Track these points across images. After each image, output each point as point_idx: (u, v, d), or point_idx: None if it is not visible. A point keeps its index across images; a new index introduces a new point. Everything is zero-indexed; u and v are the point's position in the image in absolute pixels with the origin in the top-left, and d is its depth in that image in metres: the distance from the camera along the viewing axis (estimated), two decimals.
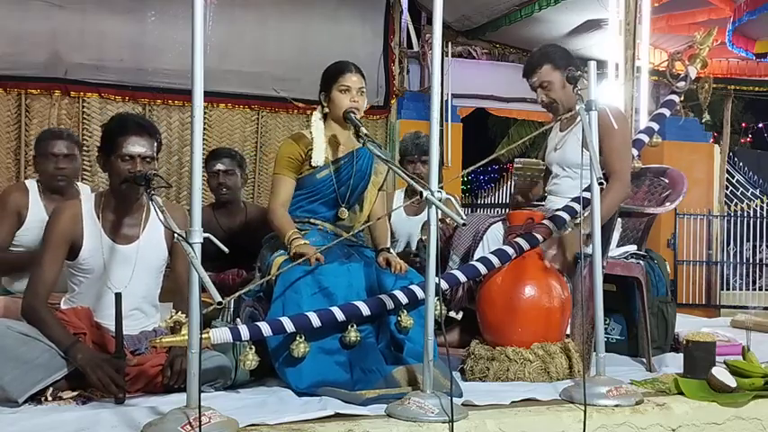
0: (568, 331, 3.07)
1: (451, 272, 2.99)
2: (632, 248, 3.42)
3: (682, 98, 3.86)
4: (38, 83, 5.66)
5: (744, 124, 15.35)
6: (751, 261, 10.28)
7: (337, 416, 2.24)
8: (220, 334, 2.49)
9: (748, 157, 12.08)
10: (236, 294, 2.76)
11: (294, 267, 2.74)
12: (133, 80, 5.91)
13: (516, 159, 3.56)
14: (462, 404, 2.40)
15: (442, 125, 6.78)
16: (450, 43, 7.94)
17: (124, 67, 5.87)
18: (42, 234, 2.69)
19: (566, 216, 3.02)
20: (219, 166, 4.08)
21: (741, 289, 10.17)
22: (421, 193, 2.33)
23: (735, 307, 9.00)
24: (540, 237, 3.00)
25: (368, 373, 2.63)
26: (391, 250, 3.09)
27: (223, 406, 2.15)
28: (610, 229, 3.13)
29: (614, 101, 4.40)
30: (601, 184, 2.57)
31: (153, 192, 2.50)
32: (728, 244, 10.05)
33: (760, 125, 15.39)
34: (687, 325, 4.20)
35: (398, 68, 7.12)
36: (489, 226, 3.27)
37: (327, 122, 3.11)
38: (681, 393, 2.64)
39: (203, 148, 2.75)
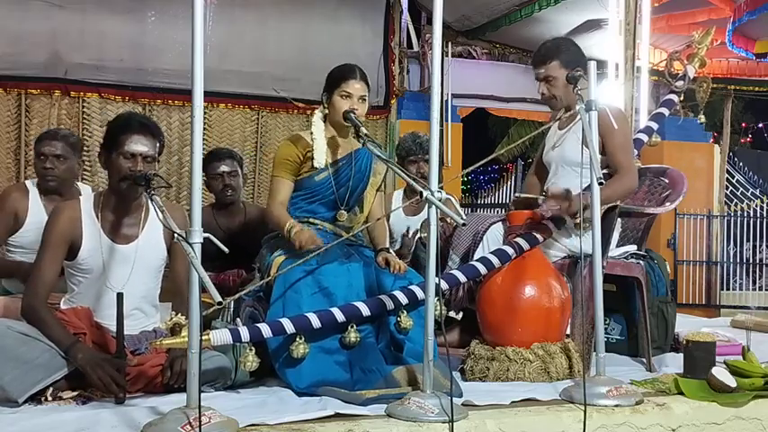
0: (568, 331, 3.07)
1: (451, 272, 2.99)
2: (632, 248, 3.42)
3: (681, 98, 3.86)
4: (38, 83, 5.67)
5: (744, 124, 15.36)
6: (751, 261, 10.28)
7: (337, 416, 2.24)
8: (220, 335, 2.49)
9: (748, 157, 12.08)
10: (237, 295, 2.76)
11: (294, 268, 2.74)
12: (133, 80, 5.92)
13: (515, 195, 3.52)
14: (462, 404, 2.40)
15: (441, 125, 6.78)
16: (450, 43, 7.94)
17: (124, 67, 5.88)
18: (41, 234, 2.69)
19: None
20: (223, 168, 4.05)
21: (741, 289, 10.17)
22: (421, 193, 2.33)
23: (735, 307, 9.00)
24: (540, 237, 3.00)
25: (368, 373, 2.63)
26: (390, 250, 3.09)
27: (223, 406, 2.15)
28: (610, 229, 3.13)
29: (614, 101, 4.40)
30: (601, 183, 2.56)
31: (153, 192, 2.50)
32: (728, 244, 10.05)
33: (760, 125, 15.40)
34: (687, 325, 4.20)
35: (398, 68, 7.13)
36: (489, 226, 3.27)
37: (326, 124, 3.11)
38: (681, 393, 2.64)
39: (203, 148, 2.75)
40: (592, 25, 7.29)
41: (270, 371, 2.70)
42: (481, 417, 2.28)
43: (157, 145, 2.69)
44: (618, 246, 3.40)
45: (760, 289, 10.25)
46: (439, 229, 2.94)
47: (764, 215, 10.39)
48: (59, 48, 5.71)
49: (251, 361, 2.54)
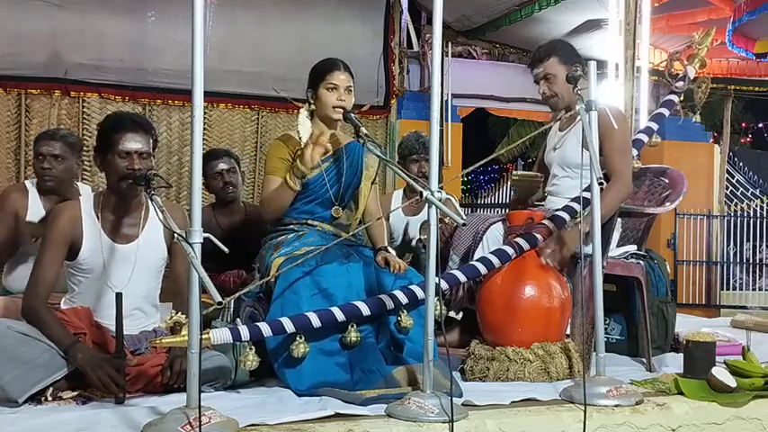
0: (568, 331, 3.07)
1: (451, 272, 2.99)
2: (632, 248, 3.42)
3: (681, 98, 3.86)
4: (38, 83, 5.67)
5: (744, 124, 15.36)
6: (751, 261, 10.28)
7: (337, 416, 2.24)
8: (220, 335, 2.49)
9: (748, 157, 12.07)
10: (236, 295, 2.76)
11: (293, 268, 2.74)
12: (133, 80, 5.92)
13: (513, 172, 3.56)
14: (462, 404, 2.40)
15: (441, 125, 6.78)
16: (450, 43, 7.94)
17: (124, 67, 5.88)
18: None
19: (566, 216, 3.02)
20: (222, 166, 4.06)
21: (741, 289, 10.17)
22: (421, 193, 2.33)
23: (735, 307, 9.00)
24: (539, 237, 2.99)
25: (368, 373, 2.62)
26: (389, 249, 3.08)
27: (223, 406, 2.15)
28: (610, 229, 3.13)
29: (614, 101, 4.40)
30: (601, 184, 2.56)
31: (153, 192, 2.50)
32: (728, 244, 10.05)
33: (760, 125, 15.39)
34: (687, 325, 4.20)
35: (398, 68, 7.13)
36: (489, 226, 3.27)
37: (314, 120, 3.11)
38: (681, 393, 2.64)
39: (203, 148, 2.75)
40: (592, 25, 7.29)
41: (270, 371, 2.70)
42: (481, 417, 2.28)
43: (151, 140, 2.68)
44: (618, 246, 3.40)
45: (760, 289, 10.25)
46: (439, 229, 2.94)
47: (764, 215, 10.39)
48: (59, 48, 5.71)
49: (251, 360, 2.54)
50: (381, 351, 2.77)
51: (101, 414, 2.23)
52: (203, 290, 1.97)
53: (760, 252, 10.37)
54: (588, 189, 2.67)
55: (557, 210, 3.08)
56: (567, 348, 2.91)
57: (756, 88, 9.81)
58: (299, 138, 3.04)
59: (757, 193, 10.71)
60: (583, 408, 2.34)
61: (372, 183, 3.21)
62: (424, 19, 7.83)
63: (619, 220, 3.26)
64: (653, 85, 7.49)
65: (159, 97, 5.99)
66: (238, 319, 2.96)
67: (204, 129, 4.46)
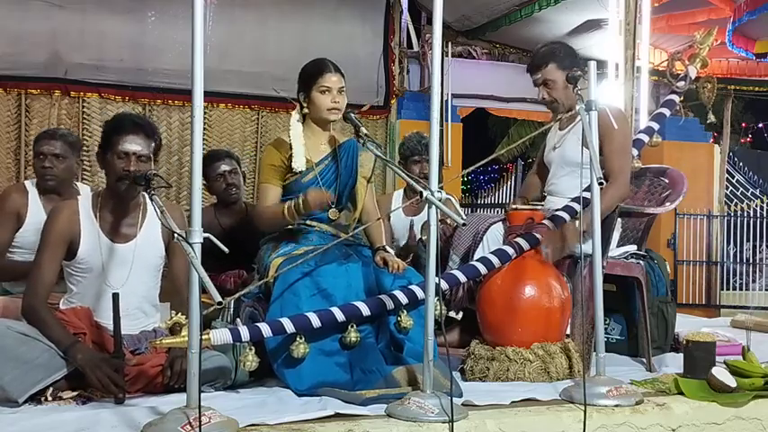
0: (568, 331, 3.07)
1: (451, 272, 2.99)
2: (632, 248, 3.42)
3: (682, 98, 3.86)
4: (38, 83, 5.66)
5: (744, 124, 15.35)
6: (751, 261, 10.28)
7: (337, 416, 2.24)
8: (220, 335, 2.49)
9: (748, 157, 12.06)
10: (236, 295, 2.76)
11: (292, 269, 2.74)
12: (133, 80, 5.91)
13: (512, 206, 3.47)
14: (462, 404, 2.40)
15: (441, 125, 6.77)
16: (450, 43, 7.94)
17: (124, 67, 5.88)
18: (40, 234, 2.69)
19: (566, 216, 3.02)
20: (224, 167, 4.04)
21: (741, 289, 10.16)
22: (421, 193, 2.33)
23: (735, 307, 8.99)
24: (539, 237, 2.99)
25: (368, 373, 2.62)
26: (388, 249, 3.08)
27: (223, 406, 2.15)
28: (610, 229, 3.13)
29: (614, 101, 4.40)
30: (601, 184, 2.56)
31: (153, 192, 2.50)
32: (728, 244, 10.04)
33: (760, 125, 15.38)
34: (687, 325, 4.20)
35: (398, 68, 7.13)
36: (489, 226, 3.27)
37: (307, 123, 3.10)
38: (681, 393, 2.64)
39: (203, 148, 2.75)
40: (592, 25, 7.29)
41: (270, 371, 2.70)
42: (481, 417, 2.28)
43: (152, 144, 2.68)
44: (618, 246, 3.40)
45: (760, 289, 10.25)
46: (439, 229, 2.94)
47: (764, 215, 10.39)
48: (59, 48, 5.70)
49: (251, 360, 2.54)
50: (381, 351, 2.77)
51: (101, 414, 2.23)
52: (203, 290, 1.97)
53: (760, 252, 10.36)
54: (588, 189, 2.67)
55: (557, 210, 3.08)
56: (567, 348, 2.91)
57: (756, 88, 9.80)
58: (290, 142, 3.03)
59: (757, 193, 10.71)
60: (583, 408, 2.35)
61: (368, 181, 3.19)
62: (424, 19, 7.83)
63: (619, 220, 3.26)
64: (653, 85, 7.49)
65: (159, 97, 5.98)
66: (238, 320, 2.97)
67: (204, 129, 4.46)
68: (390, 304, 2.75)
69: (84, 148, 5.20)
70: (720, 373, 2.66)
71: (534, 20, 7.17)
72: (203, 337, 2.28)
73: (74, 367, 2.43)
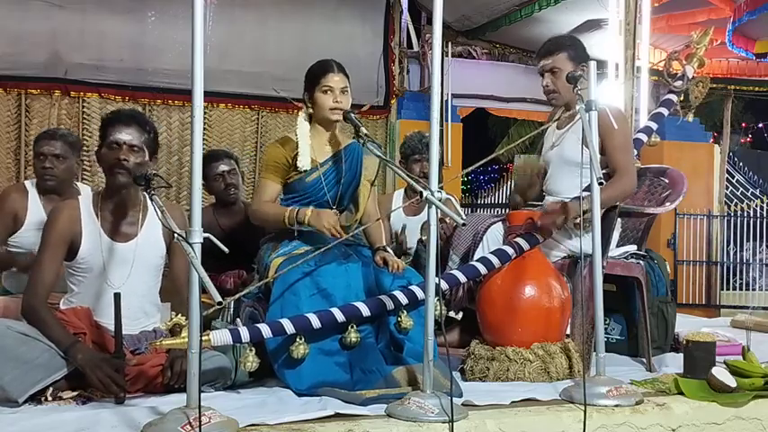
0: (568, 331, 3.07)
1: (451, 272, 2.99)
2: (632, 248, 3.42)
3: (681, 98, 3.86)
4: (38, 83, 5.67)
5: (744, 124, 15.35)
6: (751, 261, 10.28)
7: (337, 416, 2.24)
8: (220, 336, 2.49)
9: (748, 157, 12.08)
10: (236, 296, 2.76)
11: (292, 269, 2.74)
12: (133, 80, 5.93)
13: (516, 156, 3.55)
14: (462, 404, 2.40)
15: (441, 125, 6.78)
16: (450, 43, 7.94)
17: (124, 67, 5.89)
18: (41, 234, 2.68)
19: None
20: (223, 168, 4.05)
21: (741, 289, 10.16)
22: (421, 193, 2.33)
23: (735, 307, 9.00)
24: (540, 237, 2.99)
25: (368, 373, 2.62)
26: (388, 249, 3.08)
27: (223, 406, 2.15)
28: (610, 229, 3.12)
29: (614, 101, 4.40)
30: (600, 184, 2.56)
31: (153, 192, 2.50)
32: (728, 244, 10.05)
33: (760, 125, 15.39)
34: (687, 325, 4.20)
35: (398, 68, 7.14)
36: (489, 226, 3.27)
37: (312, 124, 3.10)
38: (681, 393, 2.64)
39: (203, 148, 2.75)
40: (592, 25, 7.29)
41: (270, 371, 2.70)
42: (481, 417, 2.28)
43: (144, 136, 2.67)
44: (618, 246, 3.40)
45: (760, 289, 10.25)
46: (439, 229, 2.94)
47: (764, 215, 10.39)
48: (59, 48, 5.71)
49: (251, 361, 2.54)
50: (381, 351, 2.76)
51: (101, 414, 2.23)
52: (203, 290, 1.97)
53: (760, 252, 10.36)
54: (588, 188, 2.67)
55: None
56: (567, 348, 2.91)
57: (756, 88, 9.80)
58: (297, 141, 3.03)
59: (757, 193, 10.71)
60: (583, 408, 2.34)
61: (372, 184, 3.20)
62: (424, 19, 7.84)
63: (619, 220, 3.26)
64: (653, 84, 7.48)
65: (159, 97, 6.00)
66: (238, 320, 2.97)
67: (204, 129, 4.47)
68: (390, 304, 2.75)
69: (84, 148, 5.21)
70: (720, 373, 2.66)
71: (534, 20, 7.17)
72: (203, 337, 2.27)
73: (74, 367, 2.43)
